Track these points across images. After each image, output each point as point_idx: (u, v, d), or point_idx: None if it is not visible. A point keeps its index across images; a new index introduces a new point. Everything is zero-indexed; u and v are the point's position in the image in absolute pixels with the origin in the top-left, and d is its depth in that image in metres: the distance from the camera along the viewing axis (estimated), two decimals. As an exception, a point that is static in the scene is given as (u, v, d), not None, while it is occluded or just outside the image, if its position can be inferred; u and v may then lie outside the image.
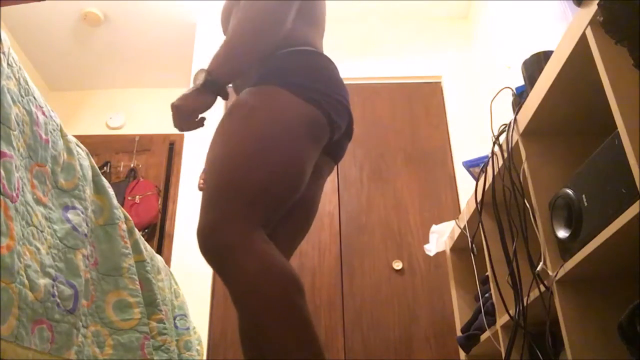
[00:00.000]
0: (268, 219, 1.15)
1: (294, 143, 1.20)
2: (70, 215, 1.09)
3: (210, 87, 1.23)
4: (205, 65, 1.25)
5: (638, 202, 0.93)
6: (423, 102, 3.42)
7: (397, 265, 2.91)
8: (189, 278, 2.70)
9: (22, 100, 0.96)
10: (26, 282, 0.84)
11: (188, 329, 2.00)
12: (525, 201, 1.44)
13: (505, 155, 1.53)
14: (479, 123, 3.18)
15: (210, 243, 1.08)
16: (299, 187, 1.21)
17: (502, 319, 1.62)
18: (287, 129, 1.20)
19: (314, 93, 1.25)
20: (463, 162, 2.03)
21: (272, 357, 1.01)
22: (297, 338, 1.02)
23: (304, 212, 1.38)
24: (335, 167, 1.53)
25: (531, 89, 1.40)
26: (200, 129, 1.31)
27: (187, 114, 1.24)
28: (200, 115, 1.26)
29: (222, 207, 1.11)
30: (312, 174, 1.33)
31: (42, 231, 0.96)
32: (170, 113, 1.29)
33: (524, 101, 1.44)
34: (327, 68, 1.34)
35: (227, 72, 1.24)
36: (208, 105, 1.24)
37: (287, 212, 1.30)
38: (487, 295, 1.84)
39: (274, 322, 1.02)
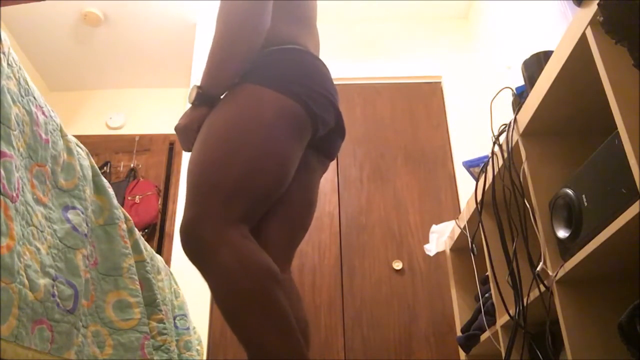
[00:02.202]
0: (248, 215, 1.16)
1: (272, 137, 1.20)
2: (70, 215, 1.09)
3: (203, 100, 1.25)
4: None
5: (638, 202, 0.93)
6: (423, 102, 3.42)
7: (397, 265, 2.91)
8: (189, 278, 2.69)
9: (22, 100, 0.96)
10: (26, 282, 0.84)
11: (188, 329, 2.00)
12: (525, 201, 1.44)
13: (505, 155, 1.53)
14: (479, 123, 3.18)
15: (190, 239, 1.10)
16: (280, 180, 1.21)
17: (502, 319, 1.62)
18: (264, 123, 1.20)
19: (293, 86, 1.24)
20: (463, 162, 2.03)
21: (251, 349, 1.03)
22: (275, 329, 1.04)
23: (300, 208, 1.37)
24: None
25: (531, 89, 1.40)
26: None
27: (185, 131, 1.26)
28: None
29: (201, 204, 1.12)
30: (303, 169, 1.33)
31: (42, 231, 0.96)
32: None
33: (524, 101, 1.44)
34: (311, 64, 1.32)
35: (215, 82, 1.25)
36: (199, 118, 1.25)
37: (281, 210, 1.31)
38: (487, 295, 1.84)
39: (251, 315, 1.04)
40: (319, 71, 1.33)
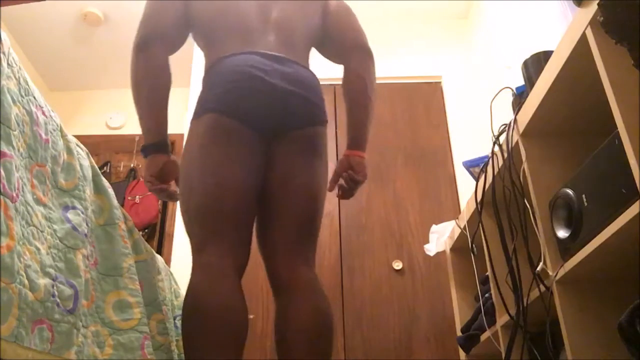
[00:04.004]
0: (211, 237, 1.27)
1: (200, 159, 1.33)
2: (70, 215, 1.09)
3: (144, 150, 1.43)
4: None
5: (638, 202, 0.94)
6: (423, 102, 3.42)
7: (397, 265, 2.91)
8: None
9: (22, 100, 0.96)
10: (26, 282, 0.84)
11: (188, 329, 1.99)
12: (525, 201, 1.44)
13: (505, 155, 1.53)
14: (479, 123, 3.17)
15: None
16: (222, 191, 1.30)
17: (502, 319, 1.62)
18: (193, 151, 1.36)
19: (207, 104, 1.38)
20: (463, 162, 2.03)
21: None
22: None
23: (286, 200, 1.38)
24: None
25: (531, 89, 1.40)
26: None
27: (146, 181, 1.45)
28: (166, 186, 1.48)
29: None
30: (274, 162, 1.38)
31: (42, 231, 0.96)
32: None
33: (524, 101, 1.44)
34: (224, 70, 1.39)
35: (144, 130, 1.43)
36: (149, 167, 1.43)
37: (270, 213, 1.38)
38: (487, 295, 1.84)
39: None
40: (232, 69, 1.37)
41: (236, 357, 1.16)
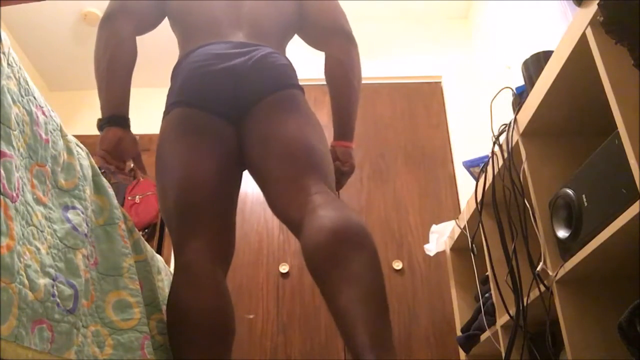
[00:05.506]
0: (190, 232, 1.27)
1: (168, 155, 1.33)
2: (70, 215, 1.09)
3: (98, 126, 1.41)
4: None
5: (638, 202, 0.94)
6: (423, 102, 3.42)
7: (397, 265, 2.91)
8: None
9: (22, 100, 0.96)
10: (26, 282, 0.84)
11: (188, 329, 1.99)
12: (525, 201, 1.44)
13: (505, 155, 1.53)
14: (479, 123, 3.18)
15: None
16: (196, 183, 1.28)
17: (502, 319, 1.62)
18: (160, 150, 1.38)
19: (170, 99, 1.39)
20: (463, 162, 2.03)
21: None
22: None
23: (264, 157, 1.29)
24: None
25: (531, 89, 1.40)
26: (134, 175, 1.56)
27: (99, 158, 1.40)
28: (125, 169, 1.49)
29: None
30: (246, 133, 1.33)
31: (42, 231, 0.96)
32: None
33: (524, 101, 1.45)
34: (181, 67, 1.42)
35: (101, 105, 1.39)
36: (102, 141, 1.39)
37: (260, 180, 1.32)
38: (487, 295, 1.84)
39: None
40: (190, 61, 1.39)
41: (221, 358, 1.15)
